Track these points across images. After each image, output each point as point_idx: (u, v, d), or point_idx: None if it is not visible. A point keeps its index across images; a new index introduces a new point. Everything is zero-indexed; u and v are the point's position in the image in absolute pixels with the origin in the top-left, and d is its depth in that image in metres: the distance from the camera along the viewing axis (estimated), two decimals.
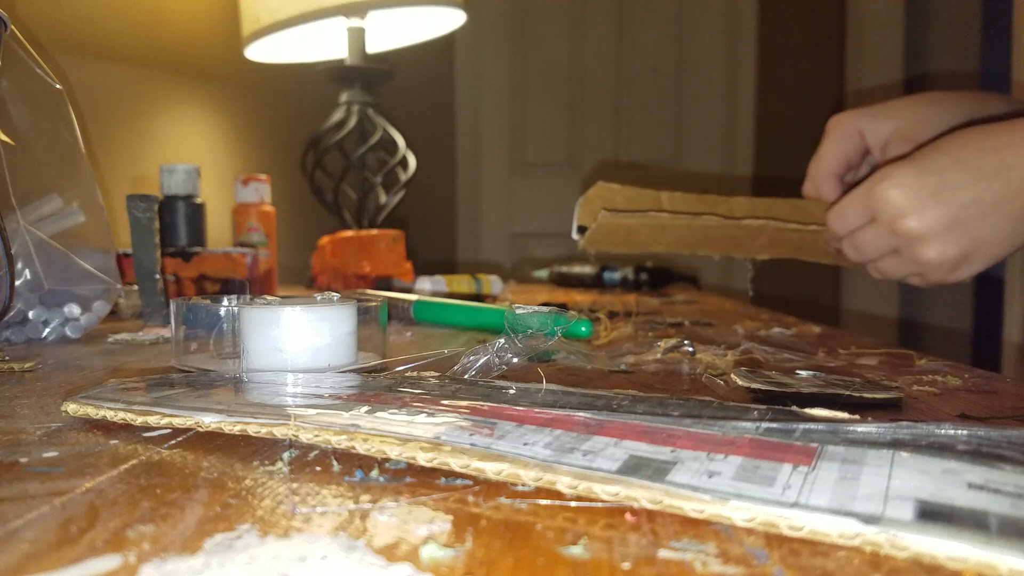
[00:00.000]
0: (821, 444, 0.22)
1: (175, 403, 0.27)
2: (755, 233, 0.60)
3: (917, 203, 0.46)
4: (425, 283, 0.86)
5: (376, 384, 0.30)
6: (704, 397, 0.29)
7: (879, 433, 0.23)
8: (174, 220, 0.77)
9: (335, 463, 0.23)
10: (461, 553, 0.16)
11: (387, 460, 0.23)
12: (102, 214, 0.55)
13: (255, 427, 0.24)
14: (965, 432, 0.22)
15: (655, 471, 0.20)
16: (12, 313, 0.50)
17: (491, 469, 0.20)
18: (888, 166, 0.48)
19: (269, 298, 0.40)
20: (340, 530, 0.17)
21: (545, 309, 0.40)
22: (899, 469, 0.20)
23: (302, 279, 1.28)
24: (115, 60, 0.99)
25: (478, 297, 0.88)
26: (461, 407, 0.26)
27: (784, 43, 2.19)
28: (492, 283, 0.91)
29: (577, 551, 0.17)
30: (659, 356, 0.45)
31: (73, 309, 0.53)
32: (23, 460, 0.23)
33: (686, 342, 0.46)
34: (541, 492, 0.20)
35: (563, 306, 0.67)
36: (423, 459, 0.21)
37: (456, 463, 0.21)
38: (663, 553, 0.16)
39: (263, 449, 0.24)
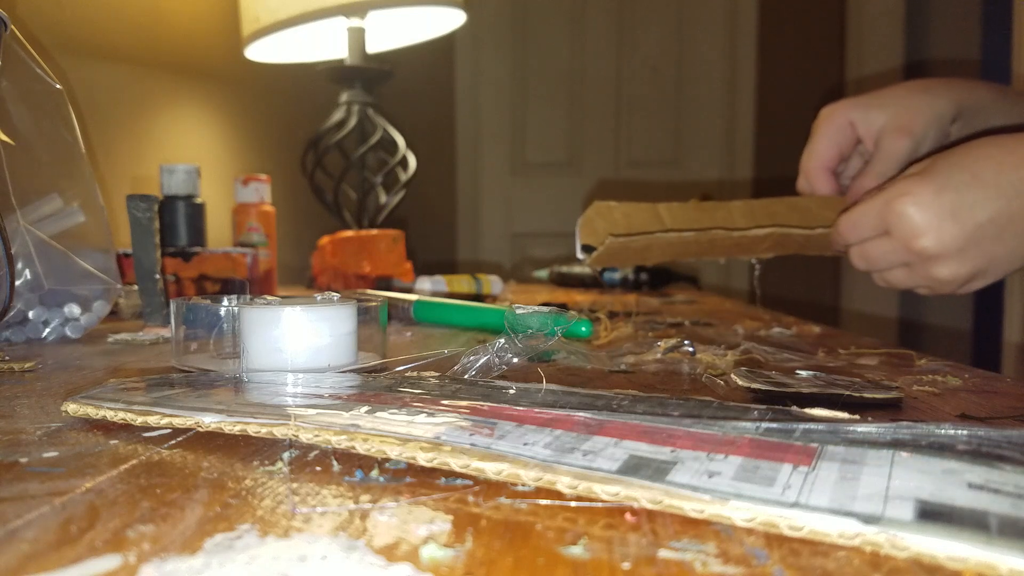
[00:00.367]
0: (821, 444, 0.22)
1: (175, 403, 0.27)
2: (760, 240, 0.60)
3: (935, 222, 0.46)
4: (425, 283, 0.86)
5: (376, 384, 0.30)
6: (704, 397, 0.29)
7: (879, 433, 0.23)
8: (174, 220, 0.77)
9: (335, 463, 0.23)
10: (461, 553, 0.16)
11: (387, 460, 0.23)
12: (102, 214, 0.55)
13: (255, 427, 0.24)
14: (965, 432, 0.22)
15: (655, 471, 0.20)
16: (12, 313, 0.50)
17: (491, 469, 0.20)
18: (905, 180, 0.48)
19: (269, 298, 0.40)
20: (340, 530, 0.17)
21: (545, 309, 0.40)
22: (899, 469, 0.20)
23: (302, 279, 1.28)
24: (115, 60, 0.99)
25: (478, 297, 0.88)
26: (461, 407, 0.26)
27: (784, 43, 2.19)
28: (492, 283, 0.91)
29: (577, 551, 0.17)
30: (659, 356, 0.45)
31: (73, 309, 0.53)
32: (23, 460, 0.23)
33: (686, 342, 0.46)
34: (541, 492, 0.20)
35: (563, 306, 0.67)
36: (423, 459, 0.21)
37: (456, 463, 0.21)
38: (663, 553, 0.16)
39: (263, 449, 0.24)
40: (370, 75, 1.18)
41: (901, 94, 0.59)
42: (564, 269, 1.26)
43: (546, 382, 0.31)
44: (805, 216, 0.60)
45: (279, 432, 0.24)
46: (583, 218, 0.58)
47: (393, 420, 0.24)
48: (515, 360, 0.36)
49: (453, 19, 1.20)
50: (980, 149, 0.47)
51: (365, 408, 0.26)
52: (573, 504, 0.19)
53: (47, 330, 0.52)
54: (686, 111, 2.24)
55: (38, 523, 0.18)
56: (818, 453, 0.21)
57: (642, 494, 0.18)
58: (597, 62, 2.27)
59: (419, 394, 0.28)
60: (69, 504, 0.19)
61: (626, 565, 0.16)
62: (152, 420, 0.26)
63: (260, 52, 1.17)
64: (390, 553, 0.16)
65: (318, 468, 0.22)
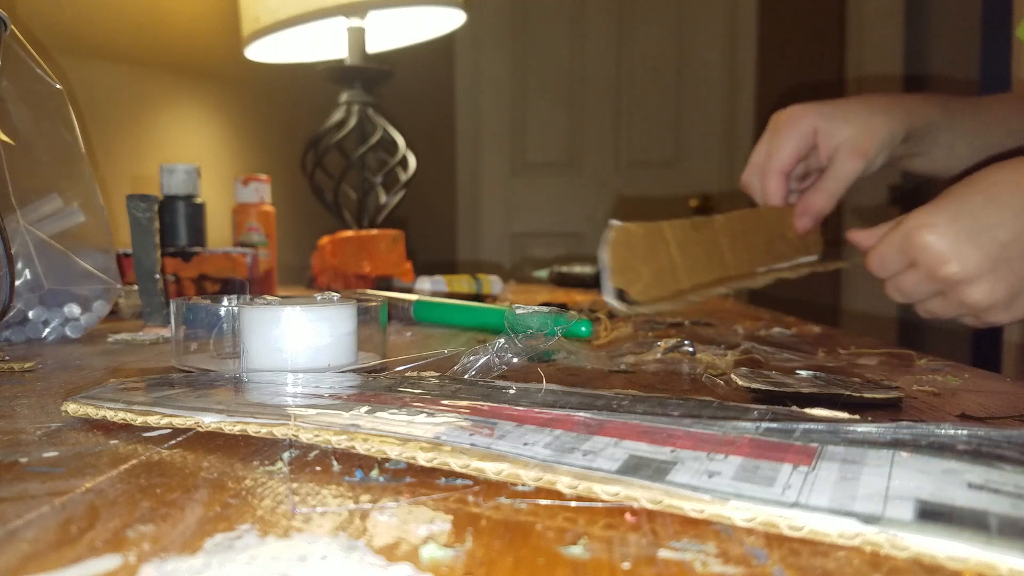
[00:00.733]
0: (821, 444, 0.22)
1: (175, 403, 0.27)
2: (756, 277, 0.60)
3: (955, 247, 0.45)
4: (425, 283, 0.86)
5: (376, 384, 0.30)
6: (704, 397, 0.29)
7: (879, 433, 0.23)
8: (174, 220, 0.77)
9: (335, 463, 0.23)
10: (461, 553, 0.16)
11: (387, 460, 0.23)
12: (102, 214, 0.55)
13: (255, 427, 0.24)
14: (965, 432, 0.22)
15: (655, 471, 0.20)
16: (12, 313, 0.50)
17: (491, 469, 0.20)
18: (921, 211, 0.47)
19: (269, 298, 0.40)
20: (340, 530, 0.17)
21: (545, 309, 0.40)
22: (899, 469, 0.20)
23: (302, 279, 1.28)
24: (115, 60, 0.99)
25: (478, 297, 0.88)
26: (461, 407, 0.26)
27: (784, 43, 2.19)
28: (492, 283, 0.91)
29: (577, 551, 0.17)
30: (659, 356, 0.45)
31: (73, 309, 0.53)
32: (23, 460, 0.23)
33: (686, 342, 0.46)
34: (541, 492, 0.20)
35: (563, 306, 0.67)
36: (423, 459, 0.21)
37: (456, 463, 0.21)
38: (663, 553, 0.16)
39: (263, 449, 0.24)
40: (370, 75, 1.18)
41: (862, 112, 0.59)
42: (564, 269, 1.26)
43: (546, 382, 0.31)
44: (774, 228, 0.61)
45: (279, 432, 0.24)
46: (609, 247, 0.55)
47: (393, 420, 0.24)
48: (515, 360, 0.36)
49: (453, 19, 1.20)
50: (994, 173, 0.47)
51: (365, 408, 0.26)
52: (573, 504, 0.19)
53: (47, 330, 0.52)
54: (686, 111, 2.24)
55: (38, 523, 0.18)
56: (818, 453, 0.21)
57: (642, 494, 0.18)
58: (597, 62, 2.27)
59: (419, 394, 0.28)
60: (69, 504, 0.19)
61: (626, 565, 0.16)
62: (152, 420, 0.26)
63: (260, 52, 1.17)
64: (390, 553, 0.16)
65: (318, 468, 0.22)
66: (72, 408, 0.28)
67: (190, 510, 0.19)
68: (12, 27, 0.50)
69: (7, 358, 0.43)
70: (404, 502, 0.19)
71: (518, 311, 0.39)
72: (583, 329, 0.50)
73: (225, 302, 0.41)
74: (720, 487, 0.18)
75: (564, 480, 0.19)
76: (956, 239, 0.46)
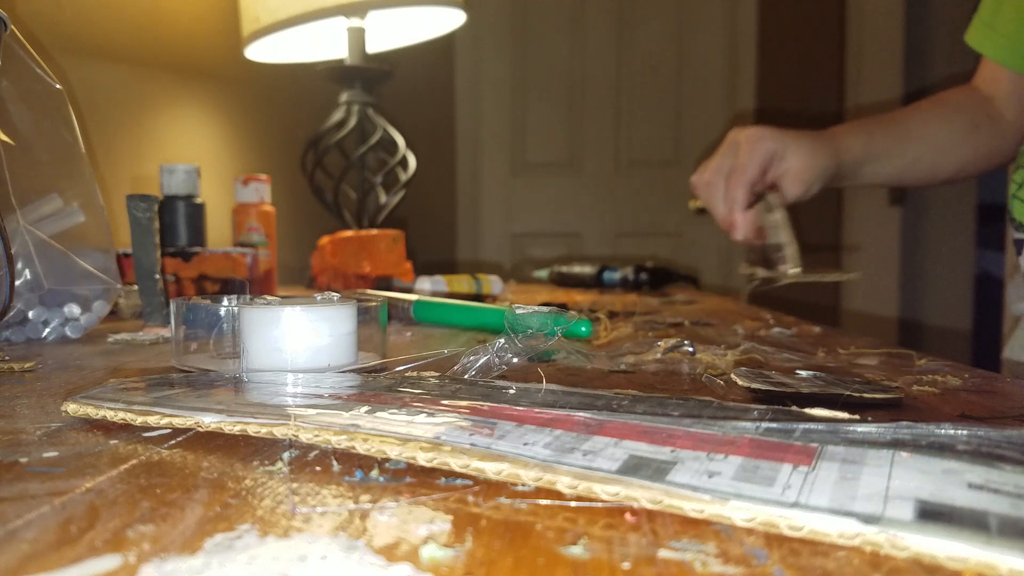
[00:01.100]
0: (821, 444, 0.22)
1: (175, 403, 0.27)
2: None
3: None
4: (425, 283, 0.86)
5: (376, 384, 0.30)
6: (704, 397, 0.29)
7: (879, 433, 0.23)
8: (174, 220, 0.77)
9: (335, 463, 0.23)
10: (461, 553, 0.16)
11: (387, 460, 0.23)
12: (102, 214, 0.55)
13: (255, 427, 0.24)
14: (965, 432, 0.22)
15: (655, 471, 0.20)
16: (12, 313, 0.50)
17: (491, 469, 0.20)
18: None
19: (269, 298, 0.40)
20: (340, 530, 0.17)
21: (545, 309, 0.40)
22: (899, 469, 0.20)
23: (302, 279, 1.28)
24: (115, 60, 0.99)
25: (478, 297, 0.88)
26: (461, 407, 0.26)
27: (784, 42, 2.19)
28: (492, 283, 0.91)
29: (577, 551, 0.17)
30: (659, 356, 0.45)
31: (73, 309, 0.53)
32: (23, 460, 0.23)
33: (686, 342, 0.46)
34: (541, 492, 0.20)
35: (563, 306, 0.67)
36: (423, 459, 0.21)
37: (456, 463, 0.21)
38: (663, 553, 0.16)
39: (263, 449, 0.24)
40: (370, 75, 1.18)
41: (806, 145, 0.69)
42: (564, 269, 1.26)
43: (546, 382, 0.31)
44: None
45: (279, 432, 0.24)
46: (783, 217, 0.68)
47: (393, 420, 0.24)
48: (515, 360, 0.36)
49: (453, 19, 1.20)
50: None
51: (365, 408, 0.26)
52: (573, 504, 0.19)
53: (47, 330, 0.52)
54: (686, 111, 2.24)
55: (38, 523, 0.18)
56: (818, 453, 0.21)
57: (642, 494, 0.18)
58: (597, 62, 2.27)
59: (419, 394, 0.28)
60: (69, 504, 0.19)
61: (626, 565, 0.16)
62: (152, 420, 0.26)
63: (260, 52, 1.17)
64: (390, 553, 0.16)
65: (318, 468, 0.22)
66: (72, 408, 0.28)
67: (190, 510, 0.19)
68: (12, 27, 0.50)
69: (7, 358, 0.43)
70: (404, 502, 0.19)
71: (518, 311, 0.39)
72: (583, 329, 0.50)
73: (225, 302, 0.41)
74: (720, 487, 0.18)
75: (564, 480, 0.19)
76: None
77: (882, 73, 2.07)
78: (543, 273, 1.30)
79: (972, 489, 0.18)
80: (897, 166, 0.74)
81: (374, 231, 0.98)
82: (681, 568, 0.16)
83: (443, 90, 2.27)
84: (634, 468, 0.20)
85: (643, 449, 0.21)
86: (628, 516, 0.19)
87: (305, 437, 0.23)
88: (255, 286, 0.75)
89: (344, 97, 1.20)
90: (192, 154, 1.14)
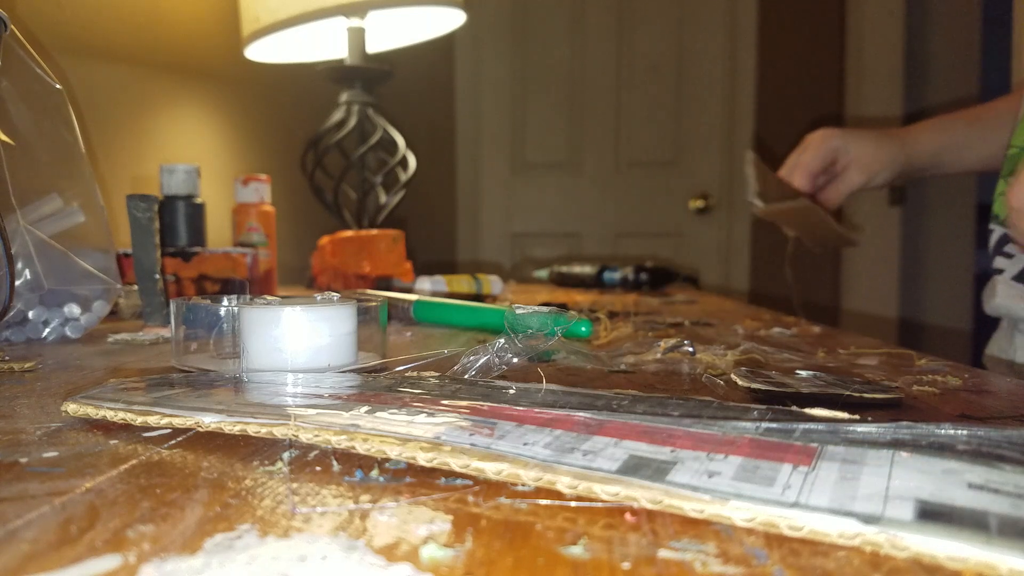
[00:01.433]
0: (821, 444, 0.22)
1: (175, 403, 0.27)
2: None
3: None
4: (425, 283, 0.86)
5: (376, 384, 0.30)
6: (704, 397, 0.29)
7: (879, 433, 0.23)
8: (174, 220, 0.77)
9: (335, 463, 0.23)
10: (461, 553, 0.16)
11: (387, 460, 0.23)
12: (102, 214, 0.55)
13: (255, 427, 0.24)
14: (965, 432, 0.22)
15: (655, 471, 0.20)
16: (12, 313, 0.50)
17: (491, 469, 0.20)
18: None
19: (269, 298, 0.40)
20: (340, 530, 0.17)
21: (545, 309, 0.40)
22: (899, 469, 0.20)
23: (302, 279, 1.28)
24: (115, 60, 0.99)
25: (478, 297, 0.88)
26: (461, 407, 0.26)
27: (784, 42, 2.19)
28: (492, 283, 0.91)
29: (577, 551, 0.17)
30: (659, 356, 0.45)
31: (73, 309, 0.53)
32: (23, 460, 0.23)
33: (686, 342, 0.46)
34: (541, 492, 0.20)
35: (563, 306, 0.67)
36: (423, 459, 0.21)
37: (456, 463, 0.21)
38: (663, 553, 0.16)
39: (263, 449, 0.24)
40: (370, 75, 1.18)
41: (872, 140, 0.82)
42: (564, 269, 1.26)
43: (546, 382, 0.31)
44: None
45: (279, 432, 0.24)
46: (752, 163, 0.81)
47: (393, 420, 0.24)
48: (515, 360, 0.36)
49: (453, 19, 1.20)
50: None
51: (365, 408, 0.26)
52: (573, 504, 0.19)
53: (47, 330, 0.52)
54: (686, 111, 2.24)
55: (38, 523, 0.18)
56: (818, 453, 0.21)
57: (642, 494, 0.18)
58: (597, 62, 2.27)
59: (419, 394, 0.28)
60: (69, 504, 0.19)
61: (626, 565, 0.16)
62: (152, 420, 0.26)
63: (260, 52, 1.17)
64: (390, 553, 0.16)
65: (318, 468, 0.22)
66: (72, 408, 0.28)
67: (190, 510, 0.19)
68: (12, 27, 0.50)
69: (7, 358, 0.43)
70: (404, 502, 0.19)
71: (518, 311, 0.39)
72: (583, 329, 0.50)
73: (225, 302, 0.41)
74: (720, 487, 0.18)
75: (564, 480, 0.19)
76: None
77: (882, 73, 2.07)
78: (543, 273, 1.30)
79: (972, 489, 0.18)
80: (982, 154, 0.80)
81: (374, 231, 0.98)
82: (681, 568, 0.16)
83: (443, 90, 2.27)
84: (634, 468, 0.20)
85: (643, 449, 0.21)
86: (628, 516, 0.19)
87: (305, 437, 0.23)
88: (255, 286, 0.75)
89: (344, 97, 1.20)
90: (192, 154, 1.14)
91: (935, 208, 2.12)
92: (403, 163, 1.22)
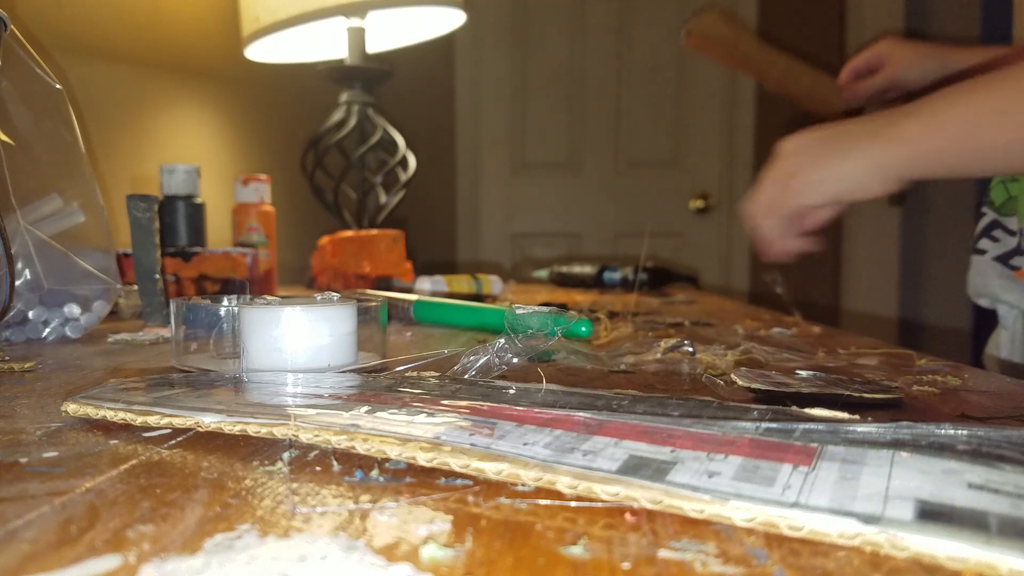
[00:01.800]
0: (821, 444, 0.22)
1: (175, 403, 0.27)
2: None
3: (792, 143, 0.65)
4: (425, 283, 0.86)
5: (376, 384, 0.30)
6: (704, 397, 0.29)
7: (879, 433, 0.23)
8: (174, 220, 0.77)
9: (335, 463, 0.23)
10: (461, 553, 0.16)
11: (387, 460, 0.23)
12: (102, 214, 0.55)
13: (255, 427, 0.24)
14: (965, 432, 0.22)
15: (655, 471, 0.20)
16: (12, 313, 0.50)
17: (491, 469, 0.20)
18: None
19: (269, 298, 0.40)
20: (340, 530, 0.17)
21: (545, 309, 0.40)
22: (899, 469, 0.20)
23: (302, 279, 1.28)
24: (115, 60, 0.99)
25: (478, 297, 0.88)
26: (461, 407, 0.26)
27: (784, 43, 2.18)
28: (492, 283, 0.91)
29: (577, 551, 0.17)
30: (659, 356, 0.44)
31: (73, 309, 0.53)
32: (23, 460, 0.23)
33: (686, 342, 0.46)
34: (541, 492, 0.20)
35: (563, 306, 0.67)
36: (423, 459, 0.21)
37: (456, 463, 0.21)
38: (663, 553, 0.16)
39: (263, 449, 0.24)
40: (370, 75, 1.18)
41: (913, 47, 0.83)
42: (564, 269, 1.26)
43: (546, 382, 0.31)
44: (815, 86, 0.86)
45: (279, 432, 0.24)
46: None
47: (393, 420, 0.24)
48: (515, 360, 0.36)
49: (453, 19, 1.20)
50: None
51: (365, 408, 0.26)
52: (573, 504, 0.19)
53: (47, 330, 0.52)
54: (686, 111, 2.24)
55: (38, 523, 0.18)
56: (818, 453, 0.21)
57: (642, 494, 0.18)
58: (597, 62, 2.27)
59: (419, 394, 0.28)
60: (69, 504, 0.19)
61: (626, 565, 0.16)
62: (152, 420, 0.26)
63: (260, 52, 1.17)
64: (390, 553, 0.16)
65: (318, 468, 0.22)
66: (72, 408, 0.28)
67: (190, 510, 0.19)
68: (12, 27, 0.50)
69: (7, 358, 0.43)
70: (404, 502, 0.19)
71: (518, 311, 0.39)
72: (583, 329, 0.50)
73: (225, 302, 0.41)
74: (720, 487, 0.18)
75: (564, 480, 0.19)
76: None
77: None
78: (543, 273, 1.30)
79: (972, 489, 0.18)
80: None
81: (374, 231, 0.98)
82: (681, 568, 0.16)
83: (443, 90, 2.27)
84: (634, 468, 0.20)
85: (643, 449, 0.21)
86: (628, 516, 0.19)
87: (305, 437, 0.23)
88: (255, 286, 0.75)
89: (344, 97, 1.20)
90: (192, 154, 1.14)
91: (935, 208, 2.12)
92: (403, 163, 1.22)
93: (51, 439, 0.25)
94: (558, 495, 0.20)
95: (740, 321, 0.68)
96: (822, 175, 0.57)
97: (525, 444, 0.22)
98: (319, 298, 0.39)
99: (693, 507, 0.18)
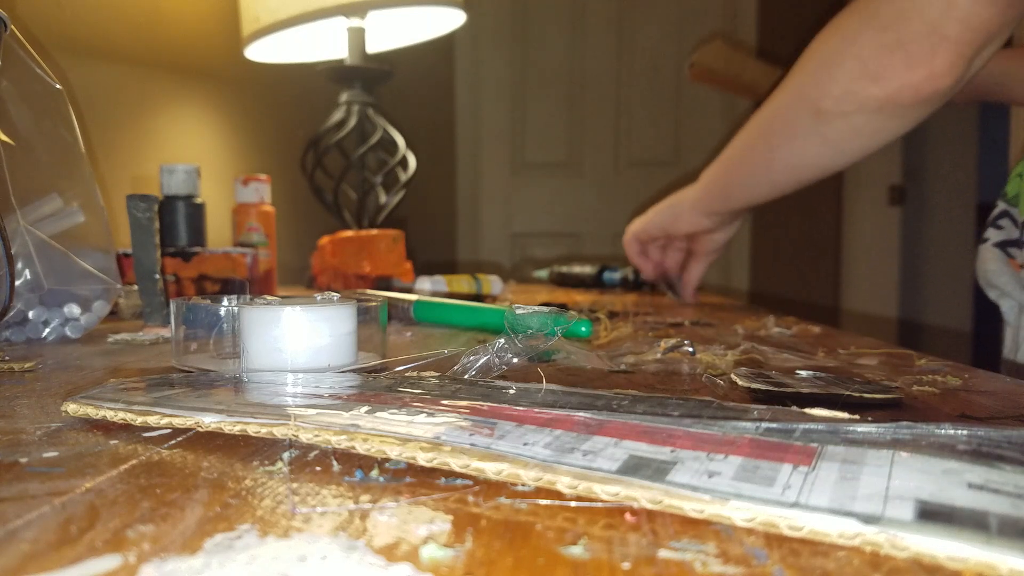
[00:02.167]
0: (821, 444, 0.22)
1: (175, 403, 0.27)
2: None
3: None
4: (425, 283, 0.86)
5: (376, 384, 0.30)
6: (704, 397, 0.29)
7: (879, 433, 0.23)
8: (174, 220, 0.77)
9: (335, 463, 0.23)
10: (461, 553, 0.16)
11: (387, 460, 0.23)
12: (102, 214, 0.55)
13: (255, 427, 0.24)
14: (965, 432, 0.22)
15: (655, 471, 0.20)
16: (12, 313, 0.50)
17: (491, 469, 0.20)
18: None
19: (269, 298, 0.40)
20: (340, 530, 0.17)
21: (545, 309, 0.40)
22: (899, 469, 0.20)
23: (302, 279, 1.28)
24: (115, 60, 0.99)
25: (478, 297, 0.88)
26: (461, 407, 0.26)
27: (784, 43, 2.18)
28: (492, 283, 0.91)
29: (577, 551, 0.17)
30: (659, 356, 0.45)
31: (73, 309, 0.53)
32: (23, 460, 0.23)
33: (686, 342, 0.46)
34: (541, 492, 0.20)
35: (563, 306, 0.67)
36: (423, 459, 0.21)
37: (456, 463, 0.21)
38: (663, 553, 0.16)
39: (263, 449, 0.24)
40: (370, 75, 1.18)
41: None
42: (564, 269, 1.26)
43: (546, 382, 0.31)
44: None
45: (279, 432, 0.24)
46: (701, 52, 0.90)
47: (393, 420, 0.24)
48: (515, 360, 0.36)
49: (453, 19, 1.20)
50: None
51: (365, 408, 0.26)
52: (573, 504, 0.19)
53: (47, 330, 0.52)
54: (686, 111, 2.24)
55: (38, 523, 0.18)
56: (818, 453, 0.21)
57: (642, 494, 0.18)
58: (597, 62, 2.27)
59: (419, 394, 0.28)
60: (69, 504, 0.19)
61: (626, 565, 0.16)
62: (152, 420, 0.26)
63: (260, 52, 1.17)
64: (390, 553, 0.16)
65: (318, 468, 0.22)
66: (72, 408, 0.28)
67: (190, 510, 0.19)
68: (12, 27, 0.50)
69: (7, 358, 0.43)
70: (404, 502, 0.19)
71: (518, 311, 0.39)
72: (583, 329, 0.50)
73: (225, 302, 0.41)
74: (720, 487, 0.18)
75: (564, 480, 0.19)
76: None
77: None
78: (543, 273, 1.30)
79: (972, 489, 0.18)
80: None
81: (374, 231, 0.98)
82: (681, 568, 0.16)
83: (443, 90, 2.27)
84: (634, 468, 0.20)
85: (643, 449, 0.21)
86: (628, 516, 0.19)
87: (305, 437, 0.23)
88: (255, 286, 0.75)
89: (344, 97, 1.20)
90: (192, 154, 1.14)
91: (935, 208, 2.12)
92: (403, 163, 1.22)
93: (51, 439, 0.25)
94: (558, 495, 0.20)
95: (740, 321, 0.68)
96: (656, 211, 0.83)
97: (525, 444, 0.22)
98: (319, 298, 0.39)
99: (693, 507, 0.18)
